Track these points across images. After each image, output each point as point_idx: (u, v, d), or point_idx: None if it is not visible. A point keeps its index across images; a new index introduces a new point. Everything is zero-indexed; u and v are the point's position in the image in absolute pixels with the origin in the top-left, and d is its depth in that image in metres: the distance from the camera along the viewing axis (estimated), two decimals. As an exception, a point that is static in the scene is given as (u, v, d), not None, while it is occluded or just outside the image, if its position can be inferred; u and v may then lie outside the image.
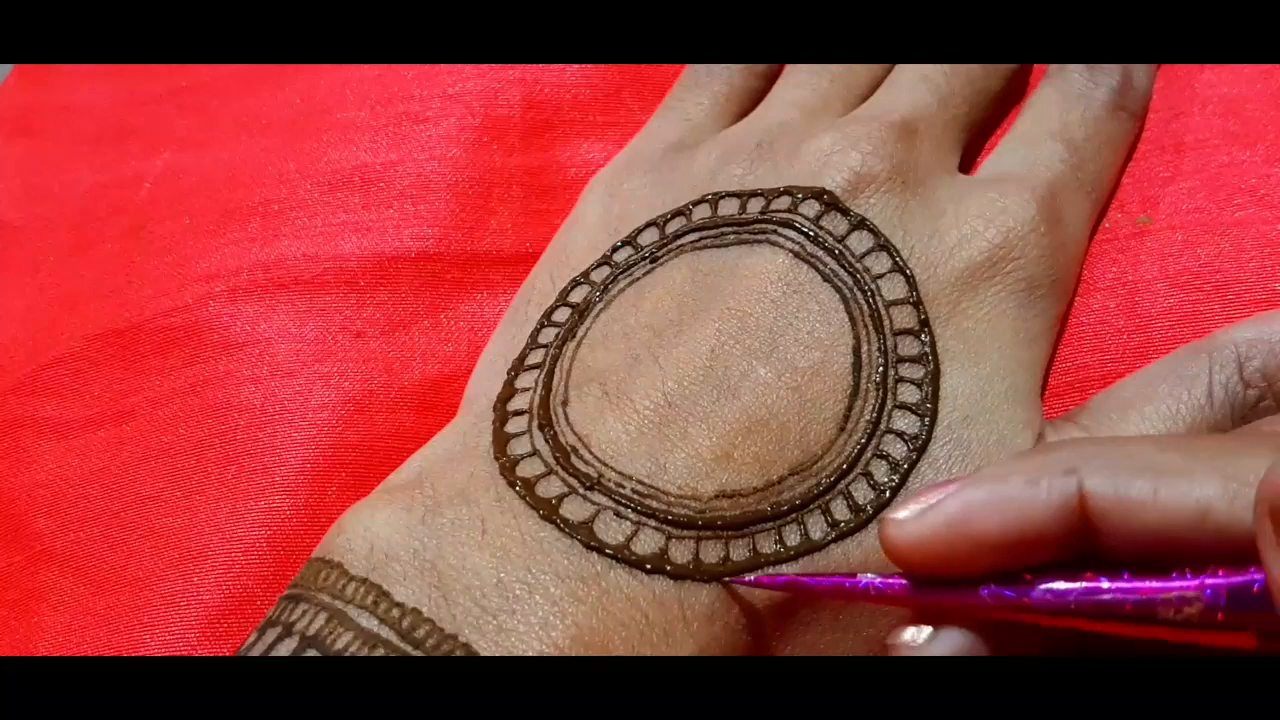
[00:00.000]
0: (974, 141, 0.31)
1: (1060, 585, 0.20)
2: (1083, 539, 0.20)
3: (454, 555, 0.22)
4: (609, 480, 0.23)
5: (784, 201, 0.27)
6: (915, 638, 0.21)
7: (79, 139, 0.37)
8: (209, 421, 0.30)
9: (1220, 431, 0.24)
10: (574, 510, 0.23)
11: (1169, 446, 0.20)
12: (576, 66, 0.34)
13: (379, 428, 0.29)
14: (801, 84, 0.31)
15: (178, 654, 0.27)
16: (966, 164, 0.31)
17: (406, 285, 0.31)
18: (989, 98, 0.31)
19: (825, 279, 0.25)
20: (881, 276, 0.26)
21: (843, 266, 0.26)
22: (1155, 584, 0.19)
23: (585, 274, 0.27)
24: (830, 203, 0.26)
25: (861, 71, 0.31)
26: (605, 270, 0.27)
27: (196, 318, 0.31)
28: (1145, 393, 0.25)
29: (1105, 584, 0.20)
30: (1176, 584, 0.19)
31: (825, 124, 0.29)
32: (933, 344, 0.25)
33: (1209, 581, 0.19)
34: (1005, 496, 0.20)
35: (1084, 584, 0.20)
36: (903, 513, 0.21)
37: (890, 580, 0.21)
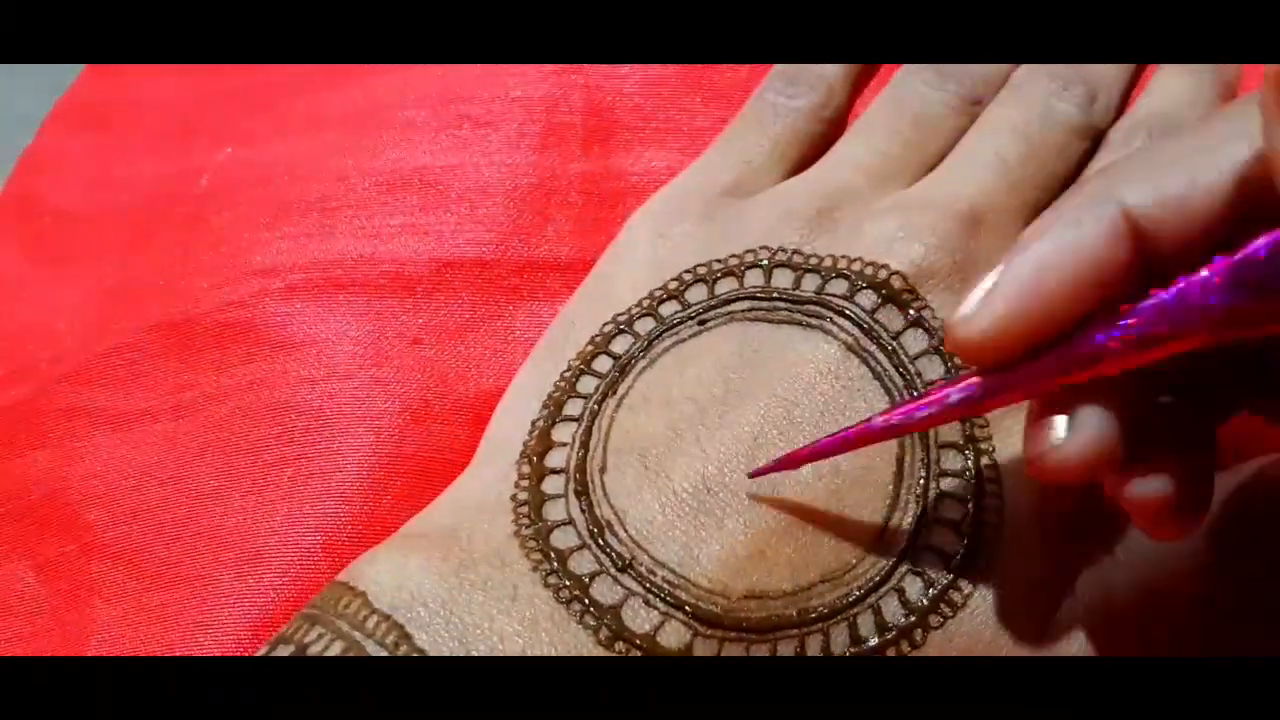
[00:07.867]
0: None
1: (1160, 295, 0.19)
2: (1143, 269, 0.19)
3: (482, 615, 0.22)
4: (641, 564, 0.23)
5: (840, 286, 0.26)
6: (1057, 434, 0.20)
7: (145, 133, 0.37)
8: (266, 421, 0.30)
9: None
10: (603, 592, 0.23)
11: (1187, 134, 0.20)
12: (640, 72, 0.34)
13: (435, 440, 0.29)
14: (868, 144, 0.29)
15: (234, 654, 0.27)
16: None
17: (464, 291, 0.31)
18: (1058, 182, 0.29)
19: (875, 377, 0.25)
20: (932, 383, 0.25)
21: (895, 366, 0.25)
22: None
23: (629, 321, 0.27)
24: (888, 296, 0.25)
25: (932, 137, 0.30)
26: (649, 322, 0.27)
27: (252, 314, 0.31)
28: None
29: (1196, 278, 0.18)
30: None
31: (889, 201, 0.28)
32: (977, 461, 0.24)
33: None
34: (1056, 249, 0.20)
35: (1180, 284, 0.18)
36: (965, 308, 0.20)
37: (971, 381, 0.20)
